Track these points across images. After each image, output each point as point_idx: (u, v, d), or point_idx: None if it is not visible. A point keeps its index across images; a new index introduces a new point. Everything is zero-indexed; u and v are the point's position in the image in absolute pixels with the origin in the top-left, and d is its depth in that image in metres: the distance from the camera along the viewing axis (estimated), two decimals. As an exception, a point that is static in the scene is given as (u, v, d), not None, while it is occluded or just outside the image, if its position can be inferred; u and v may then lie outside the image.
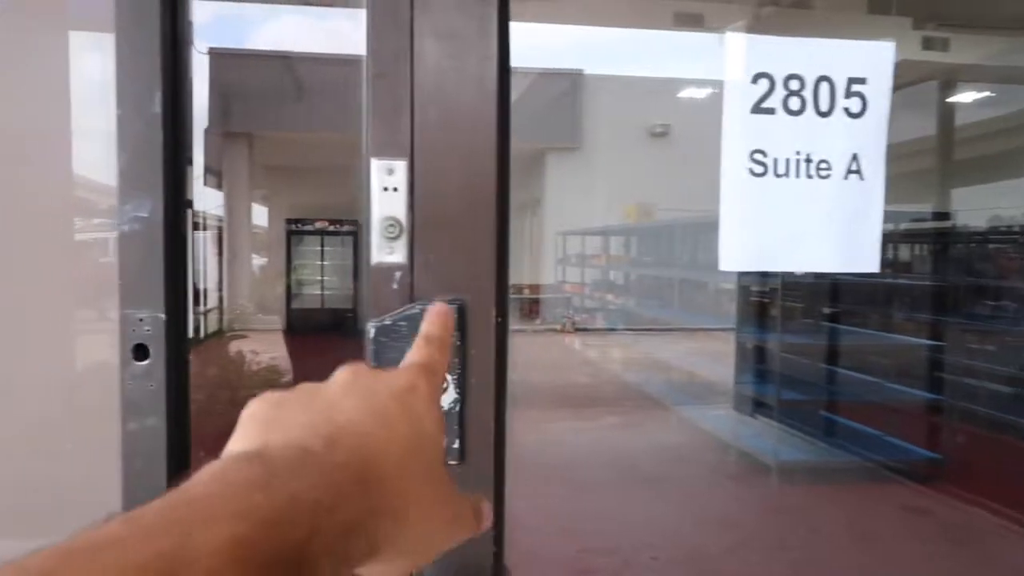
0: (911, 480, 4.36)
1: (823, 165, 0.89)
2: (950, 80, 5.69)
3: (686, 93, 10.35)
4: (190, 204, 0.91)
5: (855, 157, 0.89)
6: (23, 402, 1.76)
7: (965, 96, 6.78)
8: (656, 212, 9.83)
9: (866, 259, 0.92)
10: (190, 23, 0.87)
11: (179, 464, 0.90)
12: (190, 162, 0.90)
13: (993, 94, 6.90)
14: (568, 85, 10.61)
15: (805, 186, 0.89)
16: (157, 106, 0.78)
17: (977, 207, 6.59)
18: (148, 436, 0.89)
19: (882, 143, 0.90)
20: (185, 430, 0.92)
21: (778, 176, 0.88)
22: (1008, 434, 4.73)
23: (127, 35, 0.77)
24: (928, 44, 3.79)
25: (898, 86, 0.91)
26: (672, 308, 9.67)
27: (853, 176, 0.89)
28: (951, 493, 4.16)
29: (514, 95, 0.87)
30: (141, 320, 0.84)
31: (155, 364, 0.86)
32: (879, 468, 4.48)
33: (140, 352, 0.86)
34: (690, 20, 4.11)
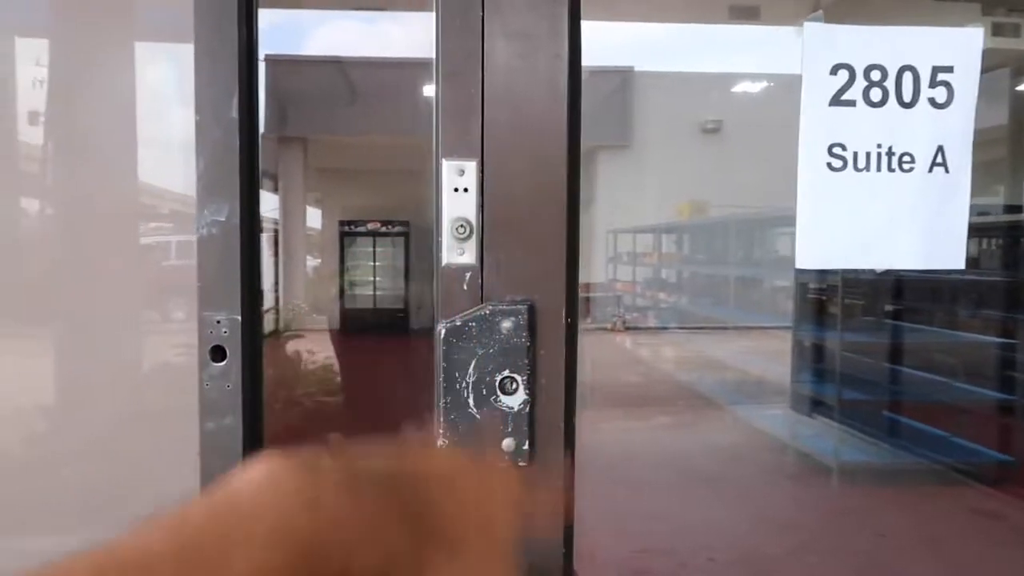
0: (980, 483, 4.21)
1: (906, 158, 0.86)
2: (1022, 67, 5.46)
3: (739, 88, 10.18)
4: (259, 209, 0.93)
5: (940, 149, 0.86)
6: (95, 401, 1.83)
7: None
8: (710, 209, 9.69)
9: (951, 255, 0.88)
10: (258, 33, 0.88)
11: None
12: (258, 168, 0.92)
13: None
14: (618, 82, 10.54)
15: (887, 180, 0.86)
16: (235, 112, 0.80)
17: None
18: (225, 435, 0.91)
19: (969, 134, 0.86)
20: (259, 429, 0.94)
21: (858, 170, 0.85)
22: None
23: (207, 43, 0.78)
24: (998, 30, 3.65)
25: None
26: (726, 306, 9.53)
27: (938, 169, 0.86)
28: (1024, 496, 4.03)
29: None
30: (219, 322, 0.86)
31: (231, 365, 0.88)
32: (946, 470, 4.34)
33: (217, 353, 0.88)
34: (746, 13, 4.03)
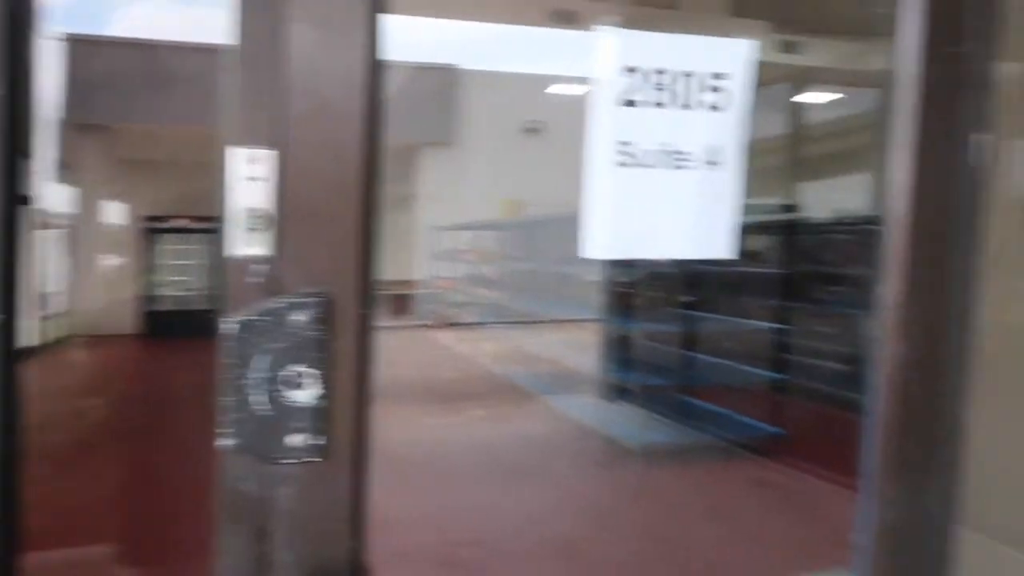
0: (759, 455, 4.65)
1: (685, 156, 0.93)
2: (803, 81, 6.08)
3: (559, 89, 10.53)
4: (28, 199, 0.82)
5: (715, 148, 0.94)
6: None
7: (816, 97, 7.32)
8: (528, 207, 9.95)
9: (722, 245, 0.97)
10: (37, 5, 0.79)
11: (6, 481, 0.81)
12: (31, 154, 0.81)
13: (843, 95, 7.45)
14: (442, 80, 10.53)
15: (668, 176, 0.92)
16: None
17: (824, 200, 7.15)
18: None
19: (741, 135, 0.95)
20: (15, 443, 0.83)
21: (643, 167, 0.91)
22: (843, 409, 5.15)
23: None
24: (785, 47, 4.06)
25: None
26: (543, 301, 9.84)
27: (712, 167, 0.94)
28: (793, 465, 4.50)
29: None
30: (-36, 322, 0.75)
31: (-19, 372, 0.78)
32: (731, 445, 4.76)
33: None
34: (564, 17, 4.21)
